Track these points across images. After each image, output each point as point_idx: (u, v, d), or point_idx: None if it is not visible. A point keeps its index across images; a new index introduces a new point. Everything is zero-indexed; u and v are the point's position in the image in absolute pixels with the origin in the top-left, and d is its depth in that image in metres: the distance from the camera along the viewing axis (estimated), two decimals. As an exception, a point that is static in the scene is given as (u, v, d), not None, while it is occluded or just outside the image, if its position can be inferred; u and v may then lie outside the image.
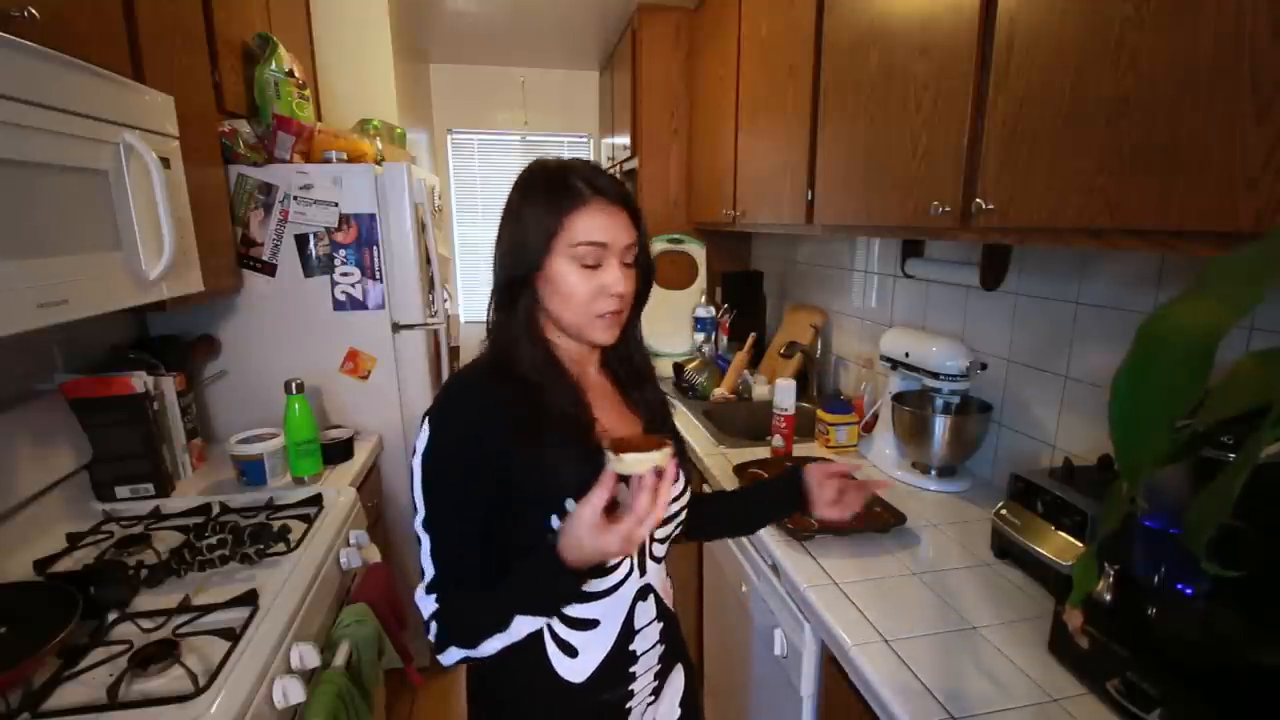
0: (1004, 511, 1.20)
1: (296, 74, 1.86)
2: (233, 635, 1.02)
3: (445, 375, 2.20)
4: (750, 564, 1.39)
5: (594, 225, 0.81)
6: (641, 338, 0.97)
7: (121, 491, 1.50)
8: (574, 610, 0.84)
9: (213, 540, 1.32)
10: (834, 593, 1.12)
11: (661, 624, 0.93)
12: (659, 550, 0.92)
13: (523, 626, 0.78)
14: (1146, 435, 0.44)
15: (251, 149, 1.76)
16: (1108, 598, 0.88)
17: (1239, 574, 0.68)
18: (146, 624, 1.04)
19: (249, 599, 1.11)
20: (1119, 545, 0.88)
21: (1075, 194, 0.88)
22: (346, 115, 2.41)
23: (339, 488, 1.60)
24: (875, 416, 1.73)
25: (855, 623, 1.03)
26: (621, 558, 0.79)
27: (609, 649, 0.87)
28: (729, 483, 1.56)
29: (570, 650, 0.85)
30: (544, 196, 0.82)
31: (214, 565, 1.22)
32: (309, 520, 1.41)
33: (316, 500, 1.51)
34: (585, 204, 0.81)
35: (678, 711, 1.03)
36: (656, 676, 0.95)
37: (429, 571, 0.81)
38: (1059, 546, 1.07)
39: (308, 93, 1.92)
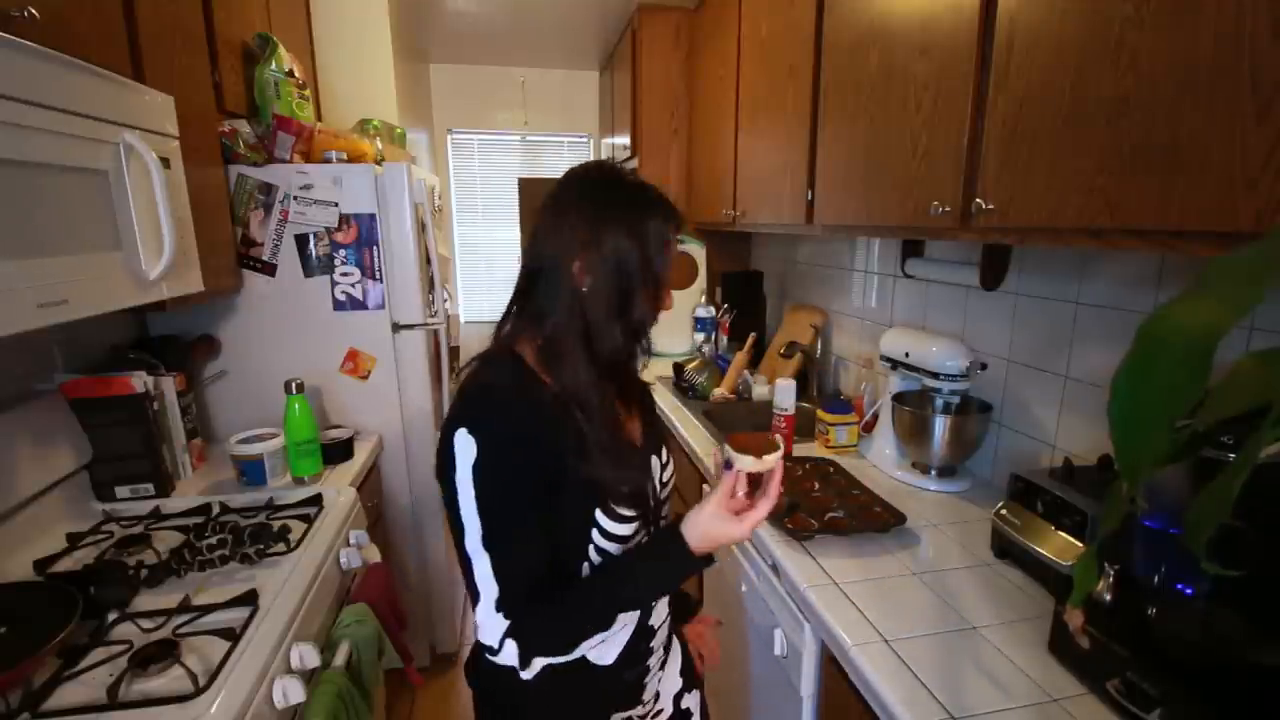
0: (1004, 511, 1.20)
1: (296, 74, 1.86)
2: (233, 635, 1.02)
3: (445, 375, 2.20)
4: (750, 564, 1.39)
5: (674, 252, 0.86)
6: None
7: (121, 491, 1.50)
8: None
9: (213, 540, 1.32)
10: (834, 593, 1.12)
11: (668, 595, 0.97)
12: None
13: (621, 621, 0.81)
14: (1146, 435, 0.44)
15: (251, 149, 1.76)
16: (1108, 598, 0.88)
17: (1239, 574, 0.68)
18: (146, 624, 1.04)
19: (249, 599, 1.11)
20: (1119, 545, 0.88)
21: (1075, 194, 0.88)
22: (346, 115, 2.41)
23: (339, 488, 1.60)
24: (875, 416, 1.73)
25: (855, 623, 1.03)
26: (714, 546, 0.81)
27: (634, 628, 0.89)
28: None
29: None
30: (664, 215, 0.84)
31: (214, 565, 1.22)
32: (309, 520, 1.41)
33: (316, 500, 1.51)
34: (678, 230, 0.86)
35: (679, 681, 1.06)
36: (664, 649, 0.99)
37: (491, 590, 0.77)
38: (1059, 546, 1.07)
39: (308, 93, 1.92)
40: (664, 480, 0.94)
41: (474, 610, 0.79)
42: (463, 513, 0.78)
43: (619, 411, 0.89)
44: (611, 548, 0.84)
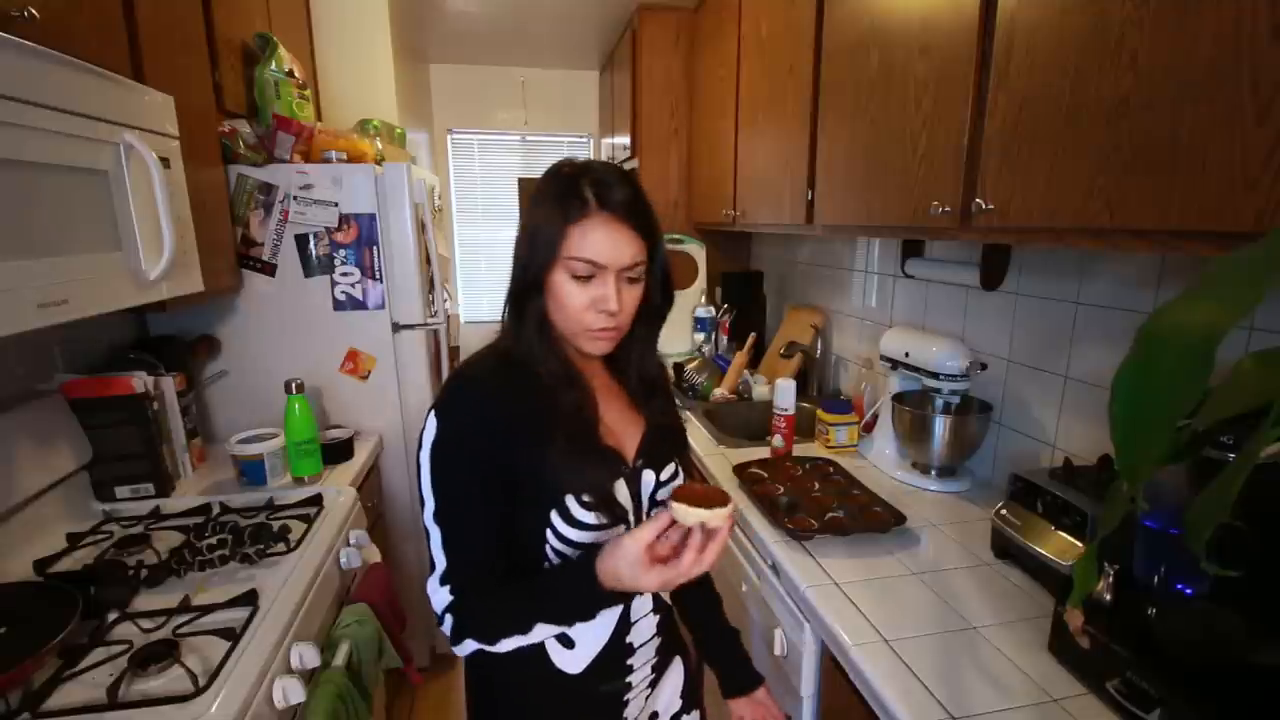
0: (1004, 511, 1.20)
1: (296, 74, 1.86)
2: (233, 635, 1.02)
3: (445, 375, 2.20)
4: (750, 564, 1.39)
5: (591, 241, 0.78)
6: (655, 348, 0.96)
7: (121, 491, 1.50)
8: None
9: (213, 540, 1.32)
10: (834, 593, 1.12)
11: (658, 617, 0.94)
12: None
13: (542, 632, 0.79)
14: (1146, 435, 0.44)
15: (251, 149, 1.76)
16: (1108, 598, 0.88)
17: (1239, 574, 0.68)
18: (146, 624, 1.04)
19: (249, 599, 1.11)
20: (1119, 545, 0.88)
21: (1075, 194, 0.88)
22: (346, 115, 2.41)
23: (339, 488, 1.60)
24: (875, 416, 1.73)
25: (855, 623, 1.03)
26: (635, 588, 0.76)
27: (605, 641, 0.88)
28: (729, 483, 1.56)
29: (568, 642, 0.86)
30: (553, 202, 0.79)
31: (214, 565, 1.22)
32: (309, 520, 1.41)
33: (316, 500, 1.51)
34: (587, 217, 0.78)
35: (679, 703, 1.04)
36: (654, 669, 0.96)
37: (440, 562, 0.80)
38: (1059, 546, 1.07)
39: (308, 93, 1.92)
40: (657, 497, 0.90)
41: (428, 579, 0.82)
42: (422, 486, 0.81)
43: (595, 415, 0.85)
44: (570, 552, 0.83)
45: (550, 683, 0.87)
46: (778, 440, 1.71)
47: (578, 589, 0.78)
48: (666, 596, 0.99)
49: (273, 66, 1.79)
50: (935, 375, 1.48)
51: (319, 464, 1.67)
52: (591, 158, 0.86)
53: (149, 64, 1.30)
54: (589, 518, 0.82)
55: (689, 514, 0.72)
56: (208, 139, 1.61)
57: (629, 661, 0.91)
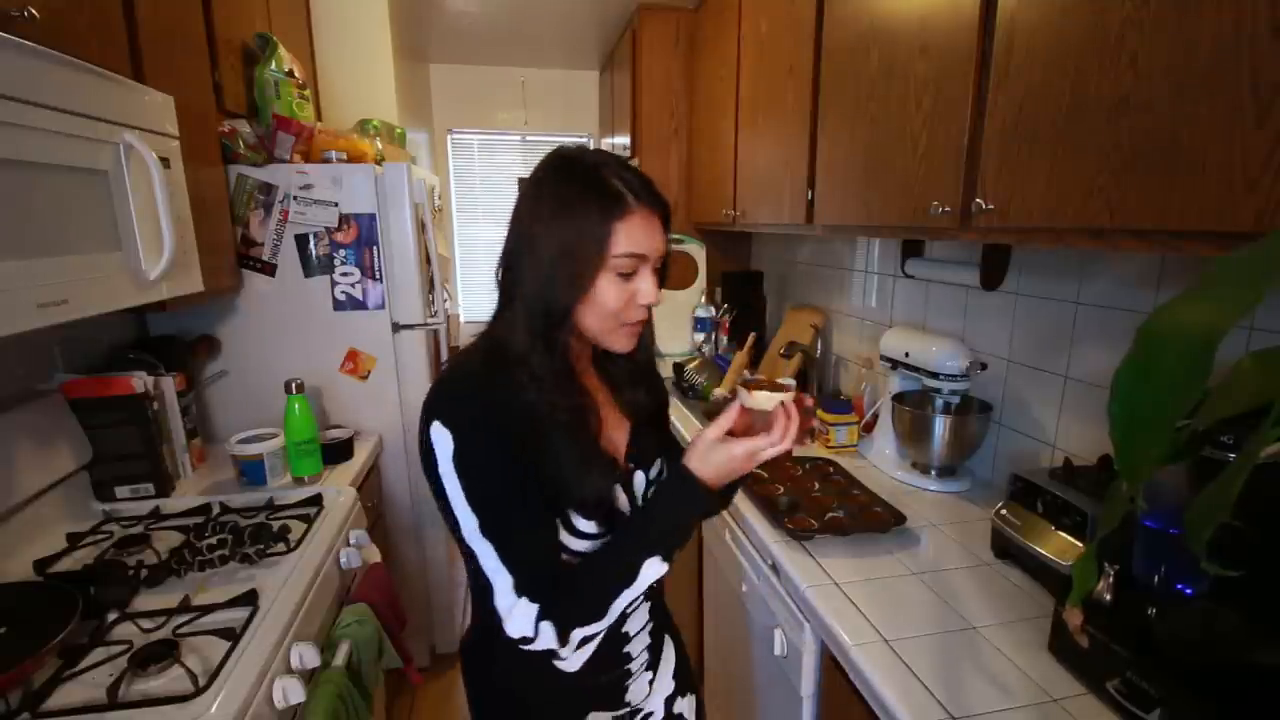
0: (1004, 511, 1.20)
1: (296, 74, 1.86)
2: (233, 635, 1.02)
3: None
4: (750, 564, 1.39)
5: (637, 236, 0.76)
6: (653, 335, 0.93)
7: (121, 491, 1.50)
8: None
9: (213, 540, 1.32)
10: (834, 593, 1.11)
11: (649, 603, 0.95)
12: None
13: (648, 573, 0.77)
14: (1146, 435, 0.44)
15: (251, 149, 1.76)
16: (1108, 598, 0.88)
17: (1239, 574, 0.68)
18: (146, 624, 1.05)
19: (249, 599, 1.11)
20: (1119, 545, 0.88)
21: (1075, 194, 0.88)
22: (346, 115, 2.41)
23: (339, 488, 1.60)
24: (875, 416, 1.73)
25: (855, 623, 1.03)
26: (744, 474, 0.81)
27: (601, 636, 0.85)
28: (729, 483, 1.56)
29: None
30: (594, 201, 0.76)
31: (214, 565, 1.22)
32: (309, 520, 1.41)
33: (316, 500, 1.51)
34: (631, 212, 0.76)
35: (672, 684, 1.03)
36: (649, 651, 0.96)
37: (503, 578, 0.74)
38: (1059, 546, 1.07)
39: (308, 93, 1.92)
40: (648, 496, 0.88)
41: (494, 602, 0.75)
42: (454, 506, 0.76)
43: (592, 416, 0.83)
44: (567, 557, 0.81)
45: (552, 680, 0.85)
46: (778, 440, 1.70)
47: (681, 495, 0.78)
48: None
49: (273, 66, 1.79)
50: (935, 375, 1.48)
51: (319, 464, 1.66)
52: (584, 144, 0.81)
53: (149, 64, 1.30)
54: (590, 527, 0.80)
55: (769, 399, 0.78)
56: (208, 139, 1.61)
57: (626, 649, 0.91)
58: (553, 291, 0.77)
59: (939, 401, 1.52)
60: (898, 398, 1.60)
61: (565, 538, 0.80)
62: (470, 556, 0.77)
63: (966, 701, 0.86)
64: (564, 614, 0.75)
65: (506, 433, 0.76)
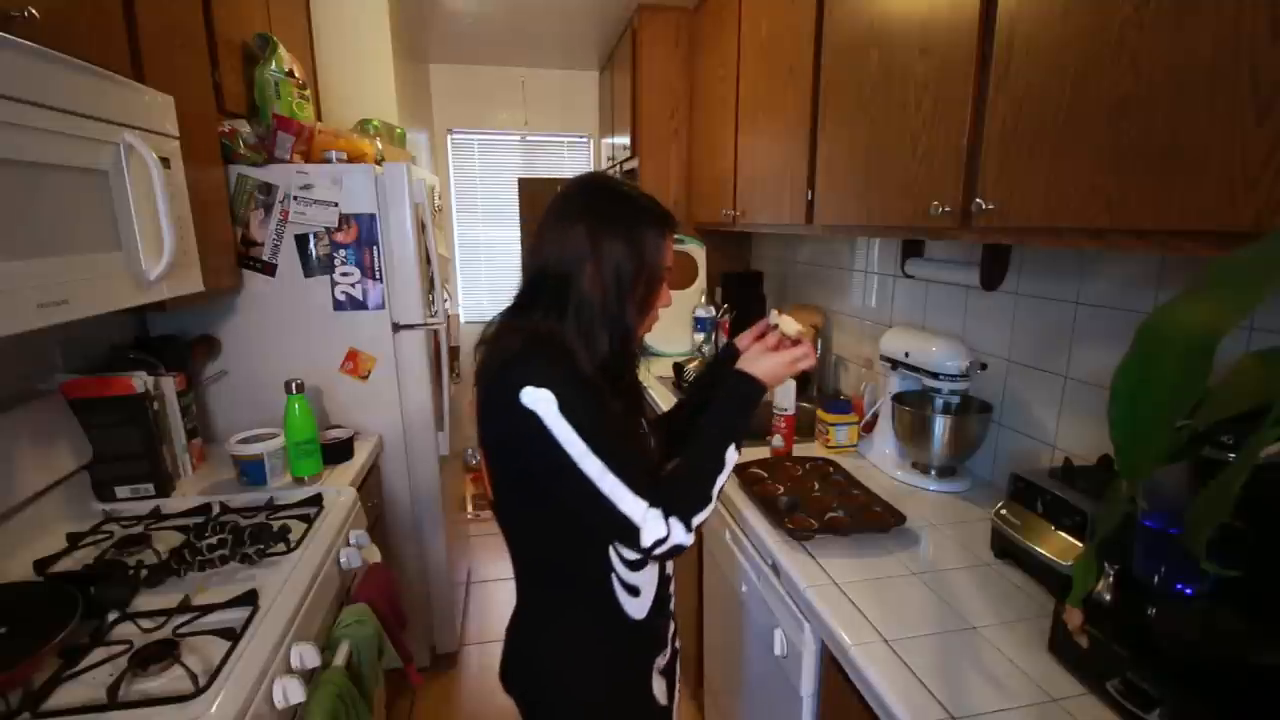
0: (1004, 511, 1.20)
1: (296, 74, 1.86)
2: (233, 635, 1.02)
3: (445, 375, 2.20)
4: (750, 564, 1.40)
5: (671, 249, 1.00)
6: None
7: (121, 491, 1.50)
8: (628, 575, 0.98)
9: (213, 540, 1.32)
10: (834, 593, 1.12)
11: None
12: None
13: (730, 458, 0.94)
14: (1146, 435, 0.44)
15: (251, 149, 1.76)
16: (1108, 598, 0.88)
17: (1239, 574, 0.68)
18: (146, 624, 1.04)
19: (249, 599, 1.11)
20: (1119, 545, 0.88)
21: (1075, 194, 0.88)
22: (346, 115, 2.41)
23: (339, 488, 1.60)
24: (875, 416, 1.73)
25: (855, 623, 1.03)
26: (778, 382, 1.02)
27: (658, 582, 1.03)
28: (729, 483, 1.56)
29: (634, 590, 0.99)
30: (651, 222, 0.96)
31: (214, 565, 1.22)
32: (309, 520, 1.41)
33: (316, 500, 1.51)
34: (668, 231, 0.99)
35: (673, 625, 1.17)
36: (674, 601, 1.13)
37: (629, 498, 0.86)
38: (1059, 546, 1.07)
39: (308, 93, 1.92)
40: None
41: (625, 540, 0.88)
42: (571, 454, 0.85)
43: (629, 418, 1.00)
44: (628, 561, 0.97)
45: (624, 630, 1.00)
46: (778, 440, 1.71)
47: (747, 399, 0.98)
48: None
49: (273, 66, 1.79)
50: (935, 375, 1.48)
51: (319, 464, 1.67)
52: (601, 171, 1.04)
53: (149, 64, 1.30)
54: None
55: (792, 325, 1.04)
56: (208, 139, 1.61)
57: (670, 590, 1.09)
58: (624, 295, 0.94)
59: (939, 401, 1.52)
60: (898, 398, 1.60)
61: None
62: (592, 501, 0.86)
63: (966, 701, 0.87)
64: (685, 508, 0.89)
65: (589, 383, 0.89)
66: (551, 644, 1.01)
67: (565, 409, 0.84)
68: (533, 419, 0.84)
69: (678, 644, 1.18)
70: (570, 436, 0.84)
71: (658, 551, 0.87)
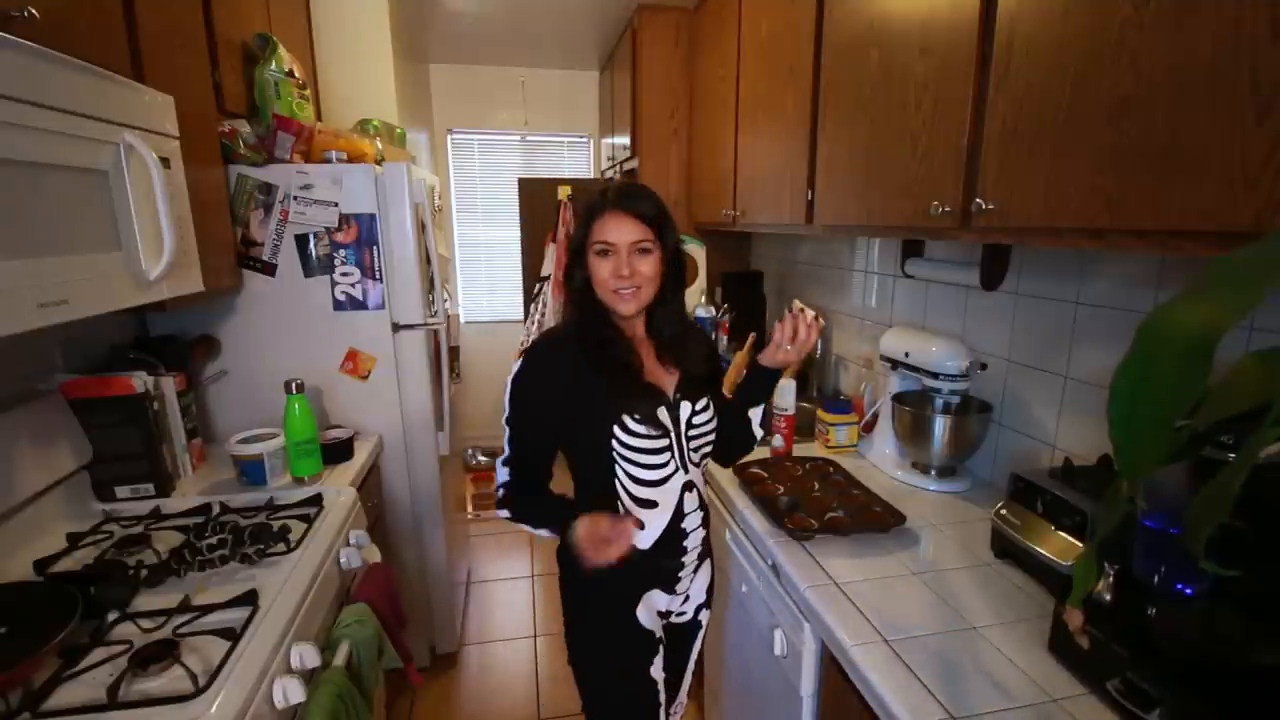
0: (1004, 511, 1.20)
1: (296, 74, 1.86)
2: (233, 635, 1.02)
3: (445, 375, 2.20)
4: (750, 564, 1.40)
5: (604, 229, 1.11)
6: (682, 313, 1.22)
7: (121, 491, 1.50)
8: (640, 492, 1.15)
9: (213, 540, 1.32)
10: (834, 593, 1.12)
11: (702, 514, 1.22)
12: (695, 457, 1.20)
13: (543, 532, 1.17)
14: (1146, 435, 0.44)
15: (251, 149, 1.76)
16: (1108, 598, 0.89)
17: (1239, 574, 0.68)
18: (146, 624, 1.04)
19: (249, 599, 1.11)
20: (1119, 545, 0.88)
21: (1075, 194, 0.88)
22: (346, 115, 2.41)
23: (339, 488, 1.60)
24: (875, 416, 1.73)
25: (855, 623, 1.03)
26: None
27: (666, 524, 1.17)
28: (729, 483, 1.57)
29: (639, 523, 1.13)
30: (585, 209, 1.14)
31: (214, 565, 1.22)
32: (309, 520, 1.41)
33: (316, 500, 1.51)
34: (602, 213, 1.11)
35: (704, 595, 1.31)
36: (699, 557, 1.25)
37: (506, 450, 1.17)
38: (1059, 546, 1.07)
39: (308, 93, 1.92)
40: (693, 421, 1.18)
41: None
42: (505, 399, 1.15)
43: (640, 364, 1.16)
44: (632, 454, 1.13)
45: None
46: (778, 440, 1.71)
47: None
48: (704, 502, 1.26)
49: (273, 66, 1.79)
50: (935, 375, 1.49)
51: (319, 464, 1.66)
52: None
53: (149, 64, 1.30)
54: (641, 429, 1.11)
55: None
56: (208, 139, 1.61)
57: (684, 543, 1.19)
58: (576, 270, 1.16)
59: (939, 401, 1.52)
60: (898, 398, 1.60)
61: (624, 436, 1.11)
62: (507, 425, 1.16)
63: (966, 701, 0.87)
64: (508, 500, 1.18)
65: (543, 389, 1.13)
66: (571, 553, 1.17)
67: (514, 380, 1.15)
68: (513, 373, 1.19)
69: (687, 610, 1.29)
70: (507, 395, 1.15)
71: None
